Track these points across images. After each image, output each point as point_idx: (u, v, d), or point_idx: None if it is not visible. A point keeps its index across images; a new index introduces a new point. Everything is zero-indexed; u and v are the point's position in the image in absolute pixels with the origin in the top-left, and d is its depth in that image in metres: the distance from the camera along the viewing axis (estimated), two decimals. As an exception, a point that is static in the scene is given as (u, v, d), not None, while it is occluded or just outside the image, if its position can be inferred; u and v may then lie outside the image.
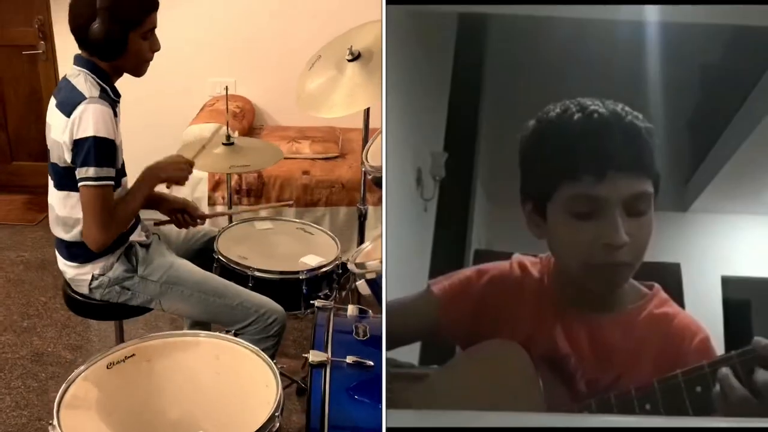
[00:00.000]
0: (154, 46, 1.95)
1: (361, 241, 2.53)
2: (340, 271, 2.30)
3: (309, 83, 2.29)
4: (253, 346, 1.60)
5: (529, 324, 1.29)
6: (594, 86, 1.31)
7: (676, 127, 1.46)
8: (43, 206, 4.01)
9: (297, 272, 2.18)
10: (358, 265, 1.67)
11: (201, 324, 2.32)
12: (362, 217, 2.52)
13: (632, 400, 1.11)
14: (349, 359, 1.60)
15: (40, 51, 4.11)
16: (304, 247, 2.35)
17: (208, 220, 2.38)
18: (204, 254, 2.29)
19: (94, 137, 1.81)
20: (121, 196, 1.98)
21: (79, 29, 1.87)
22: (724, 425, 1.09)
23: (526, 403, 1.19)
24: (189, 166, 2.12)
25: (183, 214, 2.23)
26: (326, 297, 2.21)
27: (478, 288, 1.35)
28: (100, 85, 1.89)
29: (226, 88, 2.82)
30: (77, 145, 1.83)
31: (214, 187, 3.26)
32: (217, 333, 1.68)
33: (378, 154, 1.80)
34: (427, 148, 1.66)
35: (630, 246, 1.17)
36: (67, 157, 1.86)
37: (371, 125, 2.41)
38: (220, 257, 2.22)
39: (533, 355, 1.21)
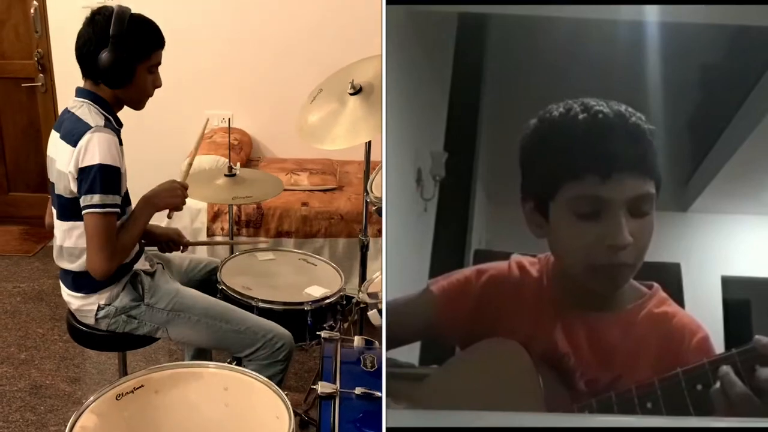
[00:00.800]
0: (157, 82, 2.00)
1: (363, 272, 2.55)
2: (344, 302, 2.31)
3: (310, 116, 2.32)
4: (262, 377, 1.59)
5: (528, 324, 1.29)
6: (594, 86, 1.31)
7: (676, 127, 1.45)
8: (40, 237, 4.05)
9: (302, 303, 2.19)
10: (370, 295, 1.67)
11: (203, 354, 2.33)
12: (364, 248, 2.53)
13: (633, 399, 1.11)
14: (358, 390, 1.60)
15: (39, 83, 4.15)
16: (308, 278, 2.37)
17: (207, 251, 2.39)
18: (206, 285, 2.30)
19: (100, 165, 1.83)
20: (123, 223, 1.98)
21: (87, 56, 1.90)
22: (725, 425, 1.09)
23: (526, 402, 1.19)
24: (183, 189, 2.13)
25: (168, 242, 2.27)
26: (330, 328, 2.23)
27: (476, 288, 1.36)
28: (104, 114, 1.92)
29: (229, 120, 2.86)
30: (83, 173, 1.84)
31: (213, 218, 3.25)
32: (225, 363, 1.67)
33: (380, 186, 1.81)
34: (427, 148, 1.66)
35: (632, 247, 1.18)
36: (73, 187, 1.87)
37: (372, 158, 2.43)
38: (224, 287, 2.22)
39: (533, 354, 1.21)
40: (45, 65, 4.12)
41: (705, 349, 1.21)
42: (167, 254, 2.29)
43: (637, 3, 1.32)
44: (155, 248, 2.28)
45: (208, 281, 2.33)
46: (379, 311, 1.61)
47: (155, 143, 3.73)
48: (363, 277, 2.54)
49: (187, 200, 2.16)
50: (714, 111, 1.52)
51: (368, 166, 2.42)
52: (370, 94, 2.21)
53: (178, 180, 2.16)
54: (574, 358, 1.24)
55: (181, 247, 2.29)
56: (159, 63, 1.99)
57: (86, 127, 1.86)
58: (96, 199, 1.84)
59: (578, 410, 1.16)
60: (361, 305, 1.81)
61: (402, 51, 1.35)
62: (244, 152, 3.66)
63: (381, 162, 2.00)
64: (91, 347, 2.24)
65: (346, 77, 2.29)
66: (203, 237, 3.21)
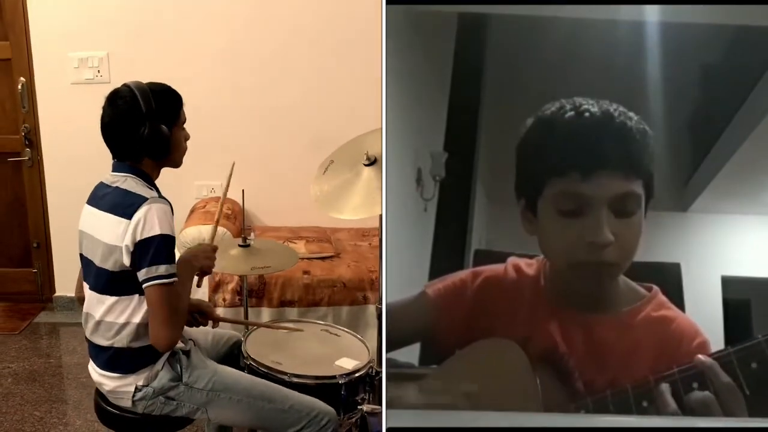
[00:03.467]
0: (187, 136, 2.04)
1: (380, 341, 2.53)
2: (373, 373, 2.27)
3: (324, 186, 2.33)
4: None
5: (524, 325, 1.29)
6: (594, 86, 1.31)
7: (676, 127, 1.45)
8: (25, 314, 3.95)
9: (333, 376, 2.16)
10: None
11: None
12: (381, 317, 2.53)
13: (629, 397, 1.11)
14: None
15: (26, 158, 4.11)
16: (335, 350, 2.34)
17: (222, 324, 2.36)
18: (230, 359, 2.26)
19: (162, 235, 1.83)
20: None
21: (124, 138, 1.91)
22: (725, 425, 1.09)
23: (523, 402, 1.19)
24: (214, 251, 2.13)
25: (198, 314, 2.21)
26: (362, 400, 2.20)
27: (472, 290, 1.36)
28: (149, 187, 1.93)
29: (243, 191, 2.80)
30: (143, 245, 1.83)
31: (215, 288, 3.20)
32: None
33: None
34: (427, 148, 1.66)
35: (616, 246, 1.17)
36: (126, 261, 1.85)
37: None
38: (251, 363, 2.19)
39: (530, 354, 1.21)
40: (32, 140, 4.06)
41: (703, 354, 1.21)
42: (193, 329, 2.22)
43: (637, 3, 1.32)
44: None
45: (231, 355, 2.29)
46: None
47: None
48: (380, 347, 2.52)
49: None
50: (714, 111, 1.52)
51: (383, 236, 2.44)
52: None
53: (207, 242, 2.16)
54: (571, 359, 1.24)
55: (211, 322, 2.24)
56: (185, 119, 2.02)
57: (141, 200, 1.86)
58: (162, 270, 1.83)
59: (575, 410, 1.16)
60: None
61: (402, 51, 1.35)
62: (237, 221, 3.62)
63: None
64: (123, 431, 2.10)
65: (356, 148, 2.32)
66: None
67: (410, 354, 1.45)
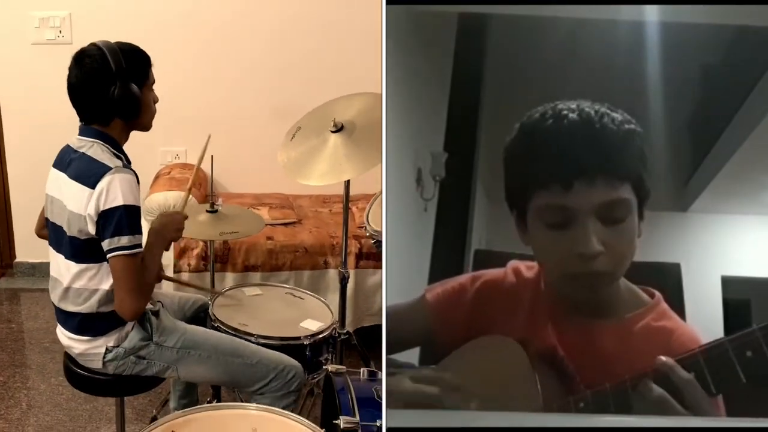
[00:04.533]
0: (156, 98, 2.02)
1: (343, 304, 2.58)
2: (337, 335, 2.38)
3: (292, 152, 2.37)
4: (295, 416, 1.58)
5: (523, 329, 1.28)
6: (594, 86, 1.31)
7: (676, 127, 1.45)
8: None
9: (299, 338, 2.23)
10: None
11: (190, 392, 2.35)
12: (344, 281, 2.58)
13: (627, 390, 1.10)
14: (378, 423, 1.63)
15: None
16: (299, 312, 2.42)
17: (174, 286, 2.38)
18: (197, 321, 2.29)
19: (125, 206, 1.83)
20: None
21: (92, 98, 1.89)
22: (725, 425, 1.09)
23: (523, 401, 1.19)
24: (183, 221, 2.13)
25: None
26: (326, 360, 2.29)
27: (471, 295, 1.35)
28: (116, 154, 1.91)
29: (212, 158, 2.78)
30: (106, 215, 1.83)
31: (180, 254, 3.23)
32: (263, 405, 1.66)
33: (378, 218, 1.85)
34: (427, 148, 1.66)
35: (607, 255, 1.14)
36: (91, 230, 1.86)
37: (352, 193, 2.49)
38: (220, 325, 2.24)
39: (530, 356, 1.20)
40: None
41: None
42: (159, 293, 2.26)
43: (637, 3, 1.32)
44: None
45: (197, 318, 2.33)
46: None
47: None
48: (343, 311, 2.56)
49: None
50: (714, 111, 1.52)
51: (347, 202, 2.48)
52: (352, 132, 2.26)
53: (177, 210, 2.16)
54: (571, 363, 1.23)
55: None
56: (154, 80, 2.00)
57: (105, 169, 1.85)
58: (124, 240, 1.83)
59: (575, 403, 1.16)
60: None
61: (402, 51, 1.35)
62: (203, 188, 3.65)
63: (376, 193, 2.05)
64: (94, 393, 2.18)
65: (324, 115, 2.35)
66: (170, 273, 3.18)
67: (410, 354, 1.45)
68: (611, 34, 1.39)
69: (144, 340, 2.00)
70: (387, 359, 1.22)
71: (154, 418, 2.55)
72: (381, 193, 2.06)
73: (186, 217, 2.14)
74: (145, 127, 2.03)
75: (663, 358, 1.06)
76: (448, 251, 1.72)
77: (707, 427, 1.09)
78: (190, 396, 2.44)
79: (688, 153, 1.59)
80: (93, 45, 1.91)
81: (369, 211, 2.02)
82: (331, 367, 1.97)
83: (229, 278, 3.21)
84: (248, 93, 3.98)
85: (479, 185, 1.73)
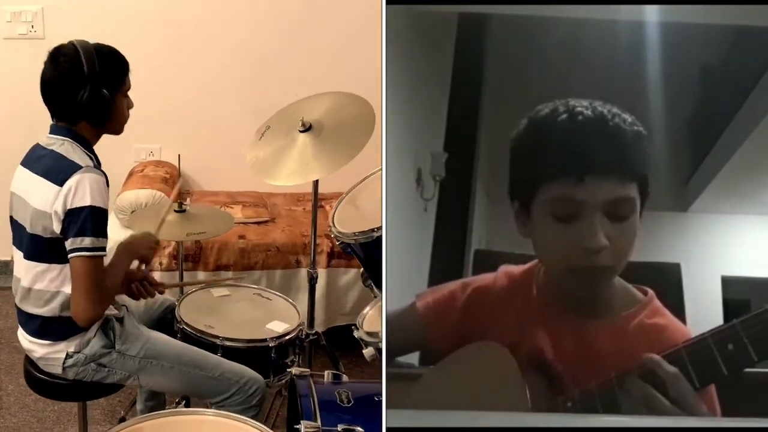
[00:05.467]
0: (130, 104, 1.97)
1: (312, 304, 2.58)
2: (303, 336, 2.35)
3: (260, 152, 2.35)
4: (251, 420, 1.56)
5: (514, 332, 1.28)
6: (594, 86, 1.31)
7: (676, 127, 1.45)
8: None
9: (264, 339, 2.20)
10: (369, 334, 1.67)
11: (156, 397, 2.30)
12: (313, 281, 2.57)
13: (613, 388, 1.11)
14: (340, 427, 1.61)
15: None
16: (266, 313, 2.39)
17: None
18: (163, 323, 2.25)
19: (92, 207, 1.77)
20: (104, 269, 1.92)
21: (62, 98, 1.83)
22: (724, 425, 1.09)
23: (511, 404, 1.19)
24: (157, 244, 2.11)
25: (141, 283, 2.15)
26: (292, 363, 2.26)
27: (461, 302, 1.35)
28: (87, 154, 1.88)
29: (179, 156, 2.77)
30: (72, 214, 1.78)
31: None
32: (214, 411, 1.65)
33: (345, 220, 1.84)
34: (427, 148, 1.66)
35: (610, 250, 1.16)
36: (56, 228, 1.80)
37: (320, 192, 2.48)
38: (185, 327, 2.20)
39: (519, 360, 1.20)
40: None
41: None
42: (125, 296, 2.17)
43: (637, 3, 1.32)
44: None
45: (164, 320, 2.27)
46: (378, 350, 1.61)
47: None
48: (312, 310, 2.57)
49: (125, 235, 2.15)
50: (714, 111, 1.52)
51: (316, 202, 2.46)
52: (320, 132, 2.26)
53: (152, 232, 2.13)
54: (561, 365, 1.24)
55: (157, 292, 2.18)
56: (130, 87, 1.97)
57: (74, 167, 1.79)
58: (87, 242, 1.77)
59: (564, 410, 1.16)
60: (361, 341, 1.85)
61: (402, 51, 1.35)
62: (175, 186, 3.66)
63: (342, 194, 2.05)
64: (53, 397, 2.13)
65: (294, 114, 2.32)
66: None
67: (410, 354, 1.45)
68: (611, 34, 1.39)
69: (106, 347, 1.95)
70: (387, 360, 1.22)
71: (122, 419, 2.52)
72: (346, 195, 2.08)
73: (158, 242, 2.13)
74: (116, 131, 1.97)
75: (649, 354, 1.07)
76: (448, 251, 1.72)
77: (708, 427, 1.09)
78: (157, 398, 2.42)
79: (688, 153, 1.59)
80: (71, 43, 1.84)
81: (334, 213, 2.01)
82: (295, 370, 1.92)
83: (201, 277, 3.15)
84: (224, 90, 3.95)
85: (479, 185, 1.74)
